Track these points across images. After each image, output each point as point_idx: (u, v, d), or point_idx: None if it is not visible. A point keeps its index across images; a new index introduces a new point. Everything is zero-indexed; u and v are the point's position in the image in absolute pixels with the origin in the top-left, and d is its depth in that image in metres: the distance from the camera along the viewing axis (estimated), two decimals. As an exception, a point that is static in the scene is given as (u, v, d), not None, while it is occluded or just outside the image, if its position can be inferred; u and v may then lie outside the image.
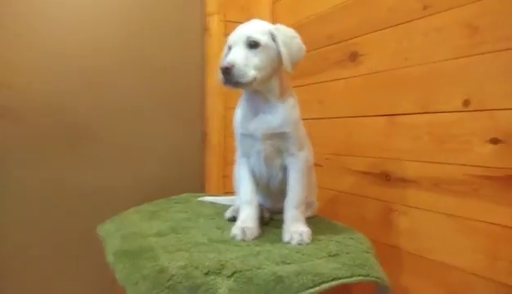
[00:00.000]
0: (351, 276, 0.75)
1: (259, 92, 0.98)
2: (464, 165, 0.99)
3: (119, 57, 1.67)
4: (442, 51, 1.05)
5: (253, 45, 0.92)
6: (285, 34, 0.96)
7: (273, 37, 0.94)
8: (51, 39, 1.54)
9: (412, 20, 1.14)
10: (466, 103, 0.99)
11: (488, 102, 0.94)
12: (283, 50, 0.93)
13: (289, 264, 0.78)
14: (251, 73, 0.90)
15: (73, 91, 1.58)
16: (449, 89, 1.03)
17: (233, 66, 0.88)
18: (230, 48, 0.96)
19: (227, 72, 0.88)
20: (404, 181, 1.16)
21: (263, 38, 0.93)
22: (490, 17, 0.94)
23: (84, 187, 1.60)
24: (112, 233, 1.07)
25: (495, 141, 0.92)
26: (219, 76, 0.90)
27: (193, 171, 1.83)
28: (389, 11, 1.21)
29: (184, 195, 1.54)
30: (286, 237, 0.93)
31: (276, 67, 0.97)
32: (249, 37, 0.92)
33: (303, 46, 0.98)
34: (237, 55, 0.90)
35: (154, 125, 1.74)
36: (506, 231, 0.89)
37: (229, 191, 1.79)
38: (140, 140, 1.71)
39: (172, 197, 1.52)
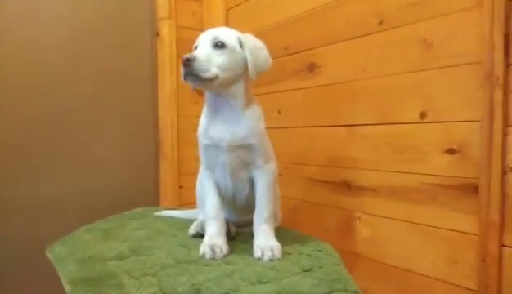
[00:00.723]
0: (330, 292, 0.74)
1: (223, 98, 0.95)
2: (422, 174, 1.04)
3: (67, 62, 1.54)
4: (399, 64, 1.10)
5: (219, 45, 0.90)
6: (253, 43, 0.96)
7: (241, 44, 0.94)
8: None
9: (369, 34, 1.18)
10: (423, 115, 1.04)
11: (444, 114, 1.00)
12: (249, 57, 0.92)
13: (265, 283, 0.76)
14: (213, 69, 0.88)
15: (15, 98, 1.43)
16: (406, 101, 1.08)
17: (195, 59, 0.86)
18: (196, 48, 0.93)
19: (188, 64, 0.85)
20: (364, 190, 1.20)
21: (230, 41, 0.92)
22: (444, 33, 0.99)
23: (27, 201, 1.46)
24: (64, 258, 0.97)
25: (451, 152, 0.98)
26: (181, 70, 0.88)
27: (146, 182, 1.74)
28: (346, 24, 1.25)
29: (138, 210, 1.46)
30: (257, 253, 0.91)
31: (240, 73, 0.95)
32: (215, 38, 0.91)
33: (269, 59, 0.98)
34: (201, 51, 0.89)
35: (104, 134, 1.63)
36: (463, 236, 0.95)
37: (185, 202, 1.73)
38: (88, 150, 1.59)
39: (126, 212, 1.42)
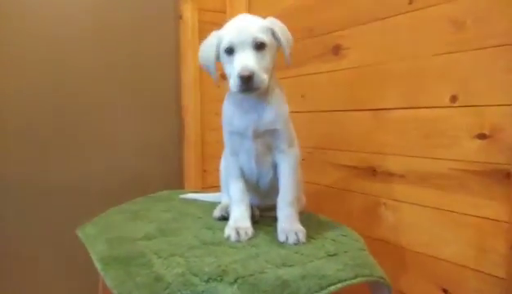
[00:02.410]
0: (355, 277, 0.74)
1: None
2: (451, 160, 1.01)
3: (92, 50, 1.57)
4: (428, 46, 1.06)
5: (260, 46, 0.87)
6: (282, 28, 0.93)
7: (273, 33, 0.91)
8: (22, 35, 1.42)
9: (398, 14, 1.14)
10: (453, 98, 1.01)
11: (475, 98, 0.96)
12: (285, 44, 0.91)
13: (290, 266, 0.77)
14: (265, 77, 0.87)
15: (45, 89, 1.48)
16: (436, 84, 1.05)
17: (254, 73, 0.84)
18: (229, 50, 0.90)
19: (248, 80, 0.84)
20: (391, 175, 1.18)
21: (267, 38, 0.89)
22: (477, 13, 0.95)
23: (59, 185, 1.52)
24: (95, 237, 1.01)
25: (482, 136, 0.94)
26: (235, 83, 0.85)
27: (171, 166, 1.77)
28: (374, 3, 1.21)
29: (164, 192, 1.49)
30: (282, 236, 0.91)
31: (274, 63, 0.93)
32: (255, 39, 0.87)
33: (291, 37, 0.96)
34: (251, 61, 0.85)
35: (130, 119, 1.66)
36: (493, 224, 0.93)
37: (208, 186, 1.76)
38: (115, 135, 1.63)
39: (152, 194, 1.46)
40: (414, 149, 1.11)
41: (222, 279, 0.72)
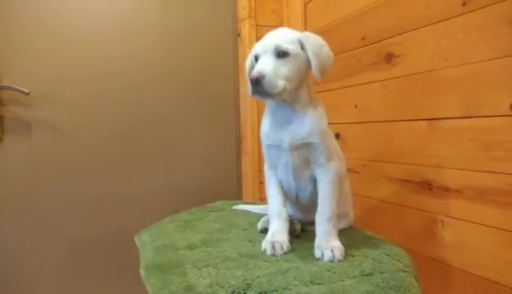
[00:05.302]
0: (383, 300, 0.70)
1: (286, 102, 0.95)
2: (513, 174, 0.90)
3: (155, 68, 1.71)
4: (485, 50, 0.97)
5: (282, 54, 0.88)
6: (314, 42, 0.92)
7: (302, 46, 0.91)
8: (89, 54, 1.61)
9: (451, 18, 1.06)
10: (514, 106, 0.90)
11: (539, 105, 0.85)
12: (312, 58, 0.90)
13: (318, 284, 0.75)
14: (280, 83, 0.87)
15: (110, 103, 1.64)
16: (494, 91, 0.95)
17: (263, 77, 0.85)
18: (256, 58, 0.94)
19: (257, 83, 0.85)
20: (447, 191, 1.09)
21: (292, 47, 0.89)
22: (540, 11, 0.85)
23: (124, 194, 1.66)
24: (147, 245, 1.09)
25: (548, 149, 0.83)
26: (248, 86, 0.89)
27: (229, 177, 1.84)
28: (426, 8, 1.14)
29: (219, 203, 1.55)
30: (317, 253, 0.90)
31: (303, 76, 0.94)
32: (277, 47, 0.88)
33: (331, 54, 0.94)
34: (266, 66, 0.87)
35: (190, 133, 1.77)
36: None
37: (265, 197, 1.78)
38: (176, 148, 1.74)
39: (208, 205, 1.53)
40: (471, 162, 1.01)
41: (245, 293, 0.73)
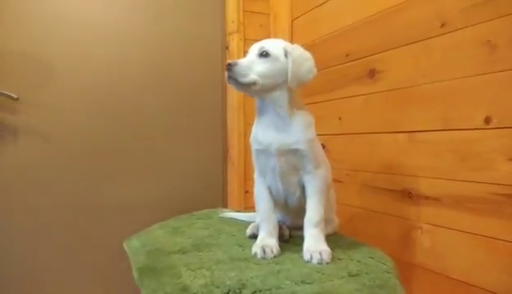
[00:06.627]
0: (371, 297, 0.75)
1: (268, 105, 1.00)
2: (488, 183, 0.98)
3: (143, 77, 1.73)
4: (461, 68, 1.05)
5: (263, 54, 0.97)
6: (299, 54, 0.99)
7: (286, 53, 0.98)
8: (79, 62, 1.62)
9: (430, 38, 1.14)
10: (488, 120, 0.98)
11: (510, 119, 0.93)
12: (291, 66, 0.96)
13: (309, 283, 0.79)
14: (252, 76, 0.95)
15: (98, 112, 1.65)
16: (470, 106, 1.03)
17: (236, 64, 0.94)
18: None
19: (229, 68, 0.94)
20: (426, 198, 1.15)
21: (275, 51, 0.98)
22: (509, 34, 0.93)
23: (110, 202, 1.66)
24: (138, 249, 1.11)
25: (518, 159, 0.91)
26: (226, 74, 0.96)
27: (215, 186, 1.86)
28: (407, 28, 1.22)
29: (206, 211, 1.57)
30: (306, 256, 0.94)
31: (281, 81, 0.98)
32: (262, 47, 0.98)
33: (314, 70, 1.00)
34: (244, 59, 0.97)
35: (177, 141, 1.79)
36: (532, 251, 0.87)
37: (250, 206, 1.81)
38: (163, 156, 1.76)
39: (195, 212, 1.55)
40: (449, 172, 1.08)
41: (240, 292, 0.76)
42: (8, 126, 1.51)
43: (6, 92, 1.45)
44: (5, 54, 1.49)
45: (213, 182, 1.86)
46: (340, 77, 1.52)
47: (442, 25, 1.10)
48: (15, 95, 1.46)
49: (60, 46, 1.58)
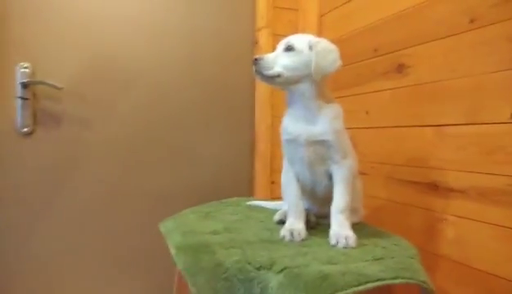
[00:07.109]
0: (395, 278, 0.79)
1: (295, 96, 1.05)
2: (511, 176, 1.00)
3: (177, 69, 1.81)
4: (489, 63, 1.07)
5: (288, 48, 1.03)
6: (323, 46, 1.03)
7: (310, 47, 1.03)
8: (121, 58, 1.71)
9: (459, 33, 1.16)
10: (514, 114, 1.00)
11: (537, 114, 0.95)
12: (314, 58, 1.00)
13: (335, 264, 0.84)
14: (276, 68, 1.01)
15: (136, 102, 1.74)
16: (496, 101, 1.05)
17: (262, 59, 1.01)
18: None
19: (256, 63, 1.02)
20: (452, 191, 1.18)
21: (299, 45, 1.03)
22: (539, 30, 0.95)
23: (145, 190, 1.75)
24: (173, 230, 1.19)
25: (544, 153, 0.92)
26: (253, 68, 1.04)
27: (243, 177, 1.93)
28: (436, 24, 1.24)
29: (234, 199, 1.64)
30: (332, 240, 0.98)
31: (306, 73, 1.02)
32: (287, 42, 1.04)
33: (339, 61, 1.03)
34: (271, 54, 1.04)
35: (208, 134, 1.86)
36: (556, 243, 0.89)
37: (276, 196, 1.87)
38: (194, 147, 1.84)
39: (223, 200, 1.62)
40: (474, 165, 1.10)
41: (271, 268, 0.82)
42: (52, 115, 1.62)
43: (51, 82, 1.56)
44: (49, 46, 1.60)
45: (241, 173, 1.93)
46: (368, 71, 1.55)
47: (471, 21, 1.12)
48: (59, 85, 1.56)
49: (102, 38, 1.68)
